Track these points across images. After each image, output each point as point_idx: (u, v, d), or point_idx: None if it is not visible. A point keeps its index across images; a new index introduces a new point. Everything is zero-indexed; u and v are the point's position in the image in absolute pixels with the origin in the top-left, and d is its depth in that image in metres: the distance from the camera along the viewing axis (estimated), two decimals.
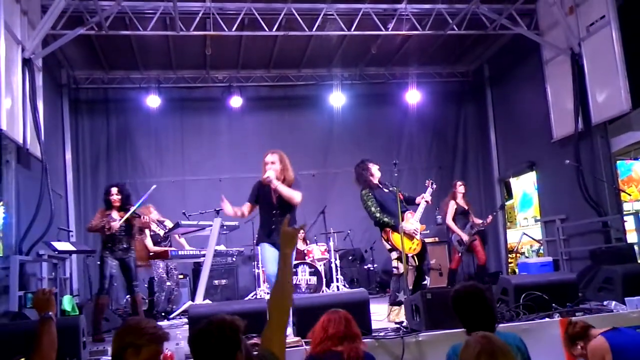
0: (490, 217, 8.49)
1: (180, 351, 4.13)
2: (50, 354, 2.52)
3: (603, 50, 7.78)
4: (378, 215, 5.92)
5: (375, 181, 6.16)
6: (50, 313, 2.61)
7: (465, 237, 8.12)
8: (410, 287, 5.85)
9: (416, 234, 5.95)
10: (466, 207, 8.40)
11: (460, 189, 8.43)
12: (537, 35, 9.09)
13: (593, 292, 5.29)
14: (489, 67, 11.65)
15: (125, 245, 6.51)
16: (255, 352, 2.27)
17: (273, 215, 5.34)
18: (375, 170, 6.20)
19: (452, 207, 8.33)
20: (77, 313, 7.53)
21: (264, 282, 9.25)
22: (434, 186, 6.42)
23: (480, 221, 8.34)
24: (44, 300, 2.66)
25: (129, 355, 2.58)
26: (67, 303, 7.65)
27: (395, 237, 5.86)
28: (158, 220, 7.84)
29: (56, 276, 8.15)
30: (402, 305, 5.61)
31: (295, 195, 5.27)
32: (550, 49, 8.97)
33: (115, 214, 6.49)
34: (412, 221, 5.96)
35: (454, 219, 8.29)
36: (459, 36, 9.62)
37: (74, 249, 8.15)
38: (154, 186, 6.93)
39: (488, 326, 2.89)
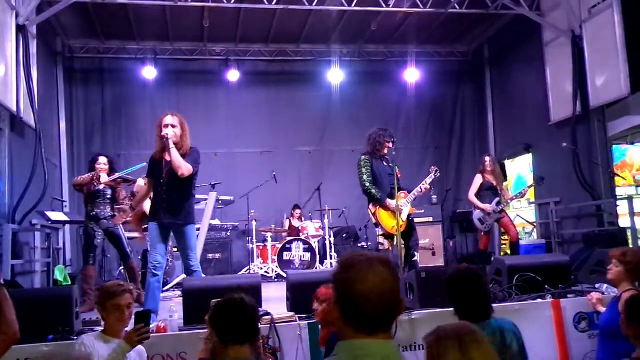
0: (526, 189, 7.98)
1: (173, 323, 4.13)
2: (14, 319, 2.45)
3: (604, 33, 7.73)
4: (367, 185, 5.90)
5: (380, 154, 6.11)
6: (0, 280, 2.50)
7: (489, 208, 7.59)
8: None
9: (402, 214, 5.88)
10: (494, 183, 7.78)
11: (487, 164, 7.85)
12: (539, 16, 9.00)
13: (585, 274, 5.31)
14: (488, 48, 11.56)
15: (109, 213, 6.45)
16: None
17: (160, 193, 4.89)
18: (388, 146, 6.11)
19: (477, 181, 7.84)
20: (70, 283, 7.57)
21: (257, 257, 9.28)
22: (438, 174, 6.33)
23: (513, 195, 8.23)
24: None
25: (100, 311, 3.15)
26: (59, 273, 7.68)
27: (382, 214, 5.90)
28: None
29: (49, 246, 8.15)
30: None
31: (182, 166, 4.76)
32: (551, 30, 8.90)
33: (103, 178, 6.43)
34: (403, 201, 5.97)
35: (480, 195, 7.78)
36: (459, 15, 9.54)
37: (67, 219, 8.13)
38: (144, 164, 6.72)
39: (483, 313, 2.76)
